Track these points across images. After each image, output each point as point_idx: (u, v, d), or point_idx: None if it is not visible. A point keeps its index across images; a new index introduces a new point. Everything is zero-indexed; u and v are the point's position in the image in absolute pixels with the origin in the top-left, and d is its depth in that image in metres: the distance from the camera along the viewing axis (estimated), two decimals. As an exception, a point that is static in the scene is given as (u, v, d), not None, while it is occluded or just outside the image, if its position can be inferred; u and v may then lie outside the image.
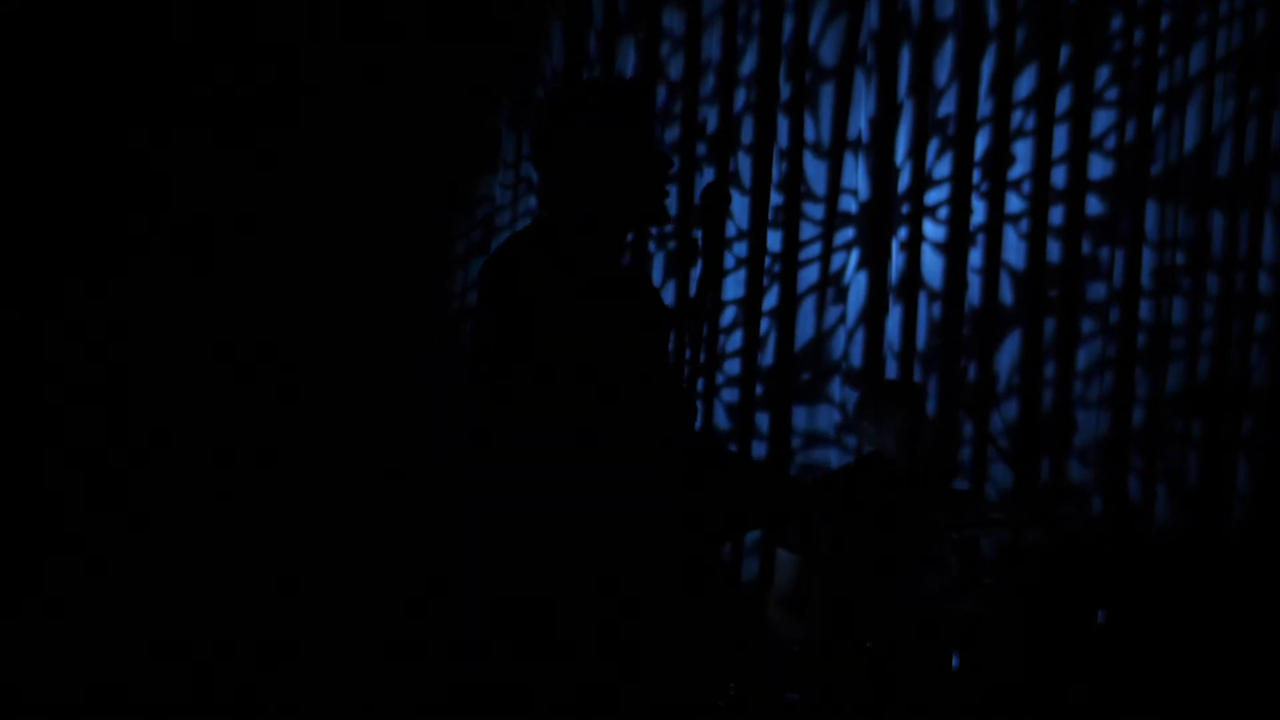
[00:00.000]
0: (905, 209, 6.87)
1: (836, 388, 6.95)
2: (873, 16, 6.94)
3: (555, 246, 3.73)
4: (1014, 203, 6.74)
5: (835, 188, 7.02)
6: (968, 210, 6.80)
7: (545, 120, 3.83)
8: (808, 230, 7.08)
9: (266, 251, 7.26)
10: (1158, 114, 6.53)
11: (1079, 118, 6.66)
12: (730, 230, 7.13)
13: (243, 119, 7.21)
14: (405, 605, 6.63)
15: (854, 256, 6.95)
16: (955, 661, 5.36)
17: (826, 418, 6.98)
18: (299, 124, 7.26)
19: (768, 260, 7.08)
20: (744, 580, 6.93)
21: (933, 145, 6.87)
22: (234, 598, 6.86)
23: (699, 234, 3.61)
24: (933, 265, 6.83)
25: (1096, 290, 6.60)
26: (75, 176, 6.76)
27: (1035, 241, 6.70)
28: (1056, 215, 6.68)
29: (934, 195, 6.85)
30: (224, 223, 7.15)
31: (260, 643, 6.74)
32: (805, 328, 7.06)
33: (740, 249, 7.12)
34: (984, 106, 6.78)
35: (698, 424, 3.66)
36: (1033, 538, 5.08)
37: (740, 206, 7.11)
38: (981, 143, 6.78)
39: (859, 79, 6.99)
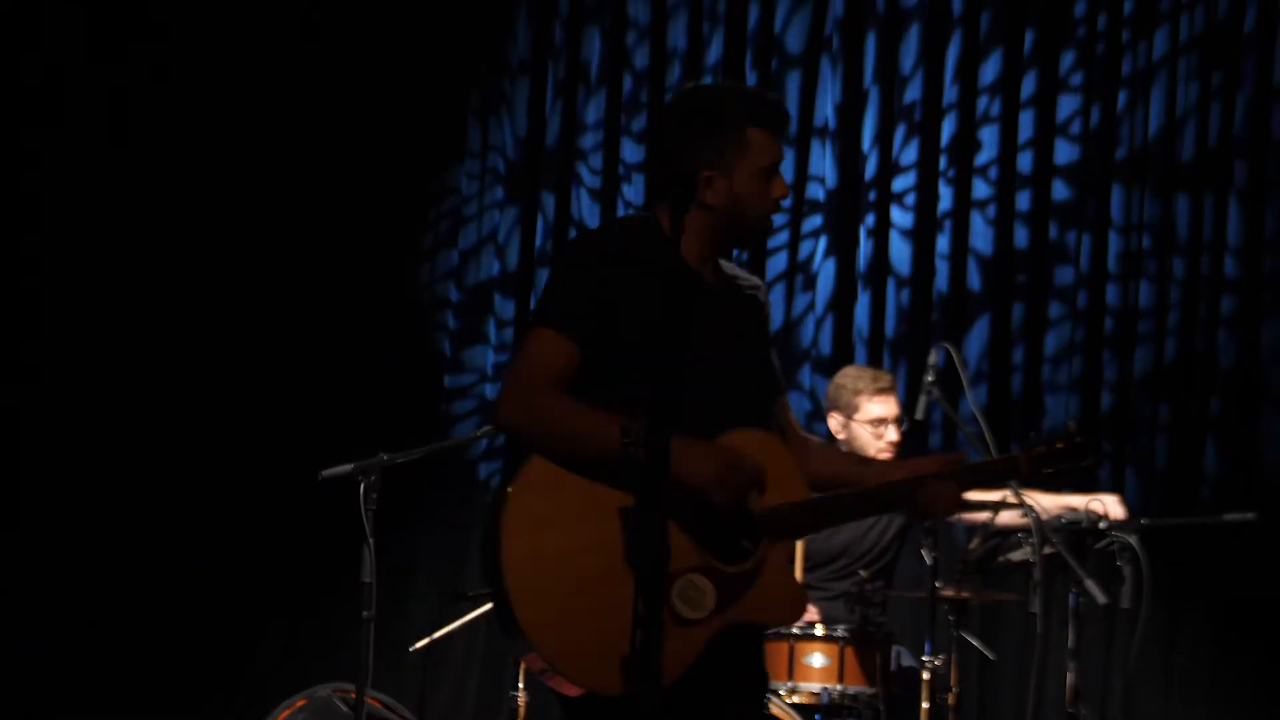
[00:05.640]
0: (872, 196, 6.89)
1: (806, 375, 6.96)
2: (838, 4, 6.96)
3: (647, 234, 3.49)
4: (980, 188, 6.77)
5: (802, 175, 7.02)
6: (935, 197, 6.82)
7: (697, 112, 3.50)
8: (775, 218, 7.08)
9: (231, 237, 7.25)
10: (1122, 99, 6.56)
11: (1044, 103, 6.69)
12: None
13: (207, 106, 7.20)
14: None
15: (822, 244, 6.96)
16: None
17: (796, 405, 6.98)
18: (260, 114, 7.25)
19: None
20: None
21: (899, 132, 6.88)
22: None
23: None
24: (900, 252, 6.85)
25: (1064, 275, 6.64)
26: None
27: (1002, 227, 6.73)
28: (1023, 200, 6.70)
29: (901, 182, 6.87)
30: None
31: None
32: (773, 315, 7.07)
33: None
34: (949, 93, 6.80)
35: None
36: (1009, 519, 5.10)
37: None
38: (948, 129, 6.80)
39: (825, 66, 7.00)
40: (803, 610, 3.52)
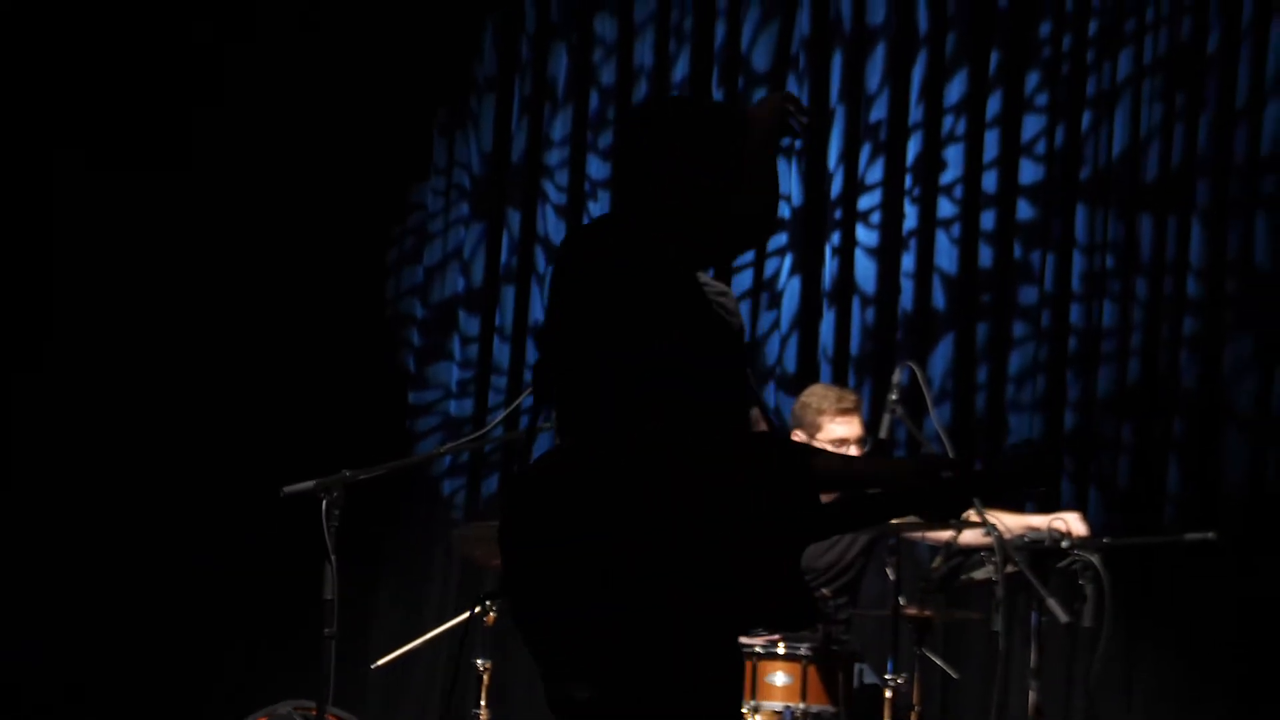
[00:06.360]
0: (838, 214, 6.90)
1: (771, 393, 6.97)
2: (804, 23, 6.97)
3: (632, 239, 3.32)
4: (945, 208, 6.79)
5: (768, 193, 7.01)
6: (900, 215, 6.84)
7: (689, 125, 3.38)
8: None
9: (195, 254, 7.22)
10: (1086, 119, 6.59)
11: (1009, 123, 6.71)
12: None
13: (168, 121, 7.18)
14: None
15: (787, 262, 6.97)
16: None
17: (761, 423, 6.97)
18: (226, 130, 7.23)
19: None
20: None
21: (864, 151, 6.90)
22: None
23: None
24: (865, 270, 6.86)
25: (1028, 294, 6.66)
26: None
27: (966, 246, 6.75)
28: (987, 220, 6.72)
29: (866, 200, 6.89)
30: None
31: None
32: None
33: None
34: (915, 112, 6.82)
35: None
36: (972, 537, 5.11)
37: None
38: (913, 148, 6.82)
39: (791, 84, 7.01)
40: (811, 618, 3.39)
